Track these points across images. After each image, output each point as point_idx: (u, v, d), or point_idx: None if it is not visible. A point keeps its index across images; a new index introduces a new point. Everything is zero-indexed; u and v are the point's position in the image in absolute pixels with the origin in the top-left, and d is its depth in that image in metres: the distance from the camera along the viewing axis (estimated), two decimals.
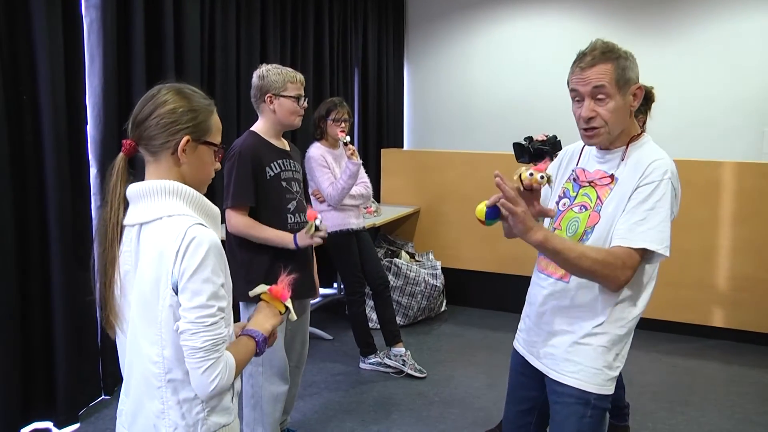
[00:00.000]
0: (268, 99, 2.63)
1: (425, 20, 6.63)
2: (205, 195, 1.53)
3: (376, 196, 5.33)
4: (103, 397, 3.42)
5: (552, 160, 2.69)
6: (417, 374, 3.91)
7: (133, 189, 1.45)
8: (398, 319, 4.54)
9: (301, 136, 4.70)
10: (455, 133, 6.59)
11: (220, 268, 1.41)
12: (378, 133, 6.21)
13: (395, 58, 6.50)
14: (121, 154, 1.47)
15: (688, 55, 5.66)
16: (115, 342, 1.55)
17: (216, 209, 1.54)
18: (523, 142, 2.71)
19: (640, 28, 5.75)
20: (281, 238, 2.60)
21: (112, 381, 3.42)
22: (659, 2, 5.66)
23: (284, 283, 1.62)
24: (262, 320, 1.58)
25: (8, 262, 2.81)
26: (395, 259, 4.93)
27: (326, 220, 3.89)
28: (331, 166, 3.84)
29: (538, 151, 2.69)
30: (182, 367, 1.42)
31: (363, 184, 4.08)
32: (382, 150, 5.72)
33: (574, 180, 1.91)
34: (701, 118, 5.67)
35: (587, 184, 1.86)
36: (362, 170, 4.16)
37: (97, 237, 1.47)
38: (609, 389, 1.81)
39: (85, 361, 3.26)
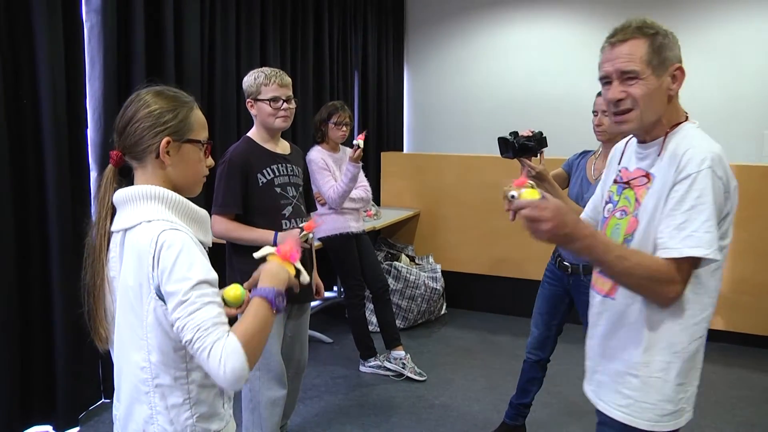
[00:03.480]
0: (249, 104, 2.66)
1: (425, 24, 6.64)
2: (200, 199, 1.53)
3: (376, 200, 5.34)
4: (103, 400, 3.42)
5: (537, 156, 2.58)
6: (417, 377, 3.91)
7: (119, 195, 1.44)
8: (398, 323, 4.54)
9: (302, 139, 4.70)
10: (455, 136, 6.60)
11: (198, 263, 1.36)
12: (378, 137, 6.22)
13: (395, 62, 6.51)
14: (110, 166, 1.47)
15: (688, 57, 5.58)
16: (109, 351, 1.54)
17: (204, 213, 1.52)
18: (508, 137, 2.61)
19: None
20: (262, 236, 2.57)
21: (112, 384, 3.39)
22: (659, 7, 5.67)
23: (292, 242, 1.50)
24: (275, 270, 1.46)
25: (8, 265, 2.81)
26: (395, 262, 4.93)
27: (326, 223, 3.91)
28: (331, 168, 3.84)
29: (522, 146, 2.59)
30: (169, 373, 1.41)
31: (363, 187, 4.09)
32: (382, 153, 5.73)
33: (616, 182, 1.72)
34: (700, 121, 5.63)
35: (627, 186, 1.66)
36: (362, 174, 4.17)
37: (86, 247, 1.47)
38: (667, 425, 1.59)
39: (85, 364, 3.26)
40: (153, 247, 1.34)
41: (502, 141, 2.63)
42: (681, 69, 1.57)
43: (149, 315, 1.38)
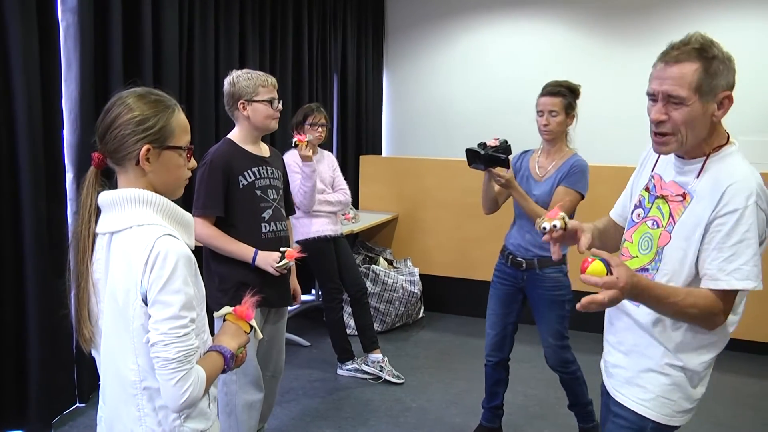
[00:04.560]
0: (241, 106, 2.61)
1: (404, 27, 6.67)
2: (179, 201, 1.53)
3: (355, 203, 5.34)
4: (77, 404, 3.38)
5: (507, 167, 2.73)
6: (394, 380, 3.92)
7: (105, 197, 1.44)
8: (376, 326, 4.55)
9: (280, 143, 4.69)
10: (434, 140, 6.62)
11: (191, 278, 1.40)
12: (357, 140, 6.22)
13: (374, 65, 6.52)
14: (92, 168, 1.47)
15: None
16: (91, 353, 1.54)
17: (189, 217, 1.53)
18: (477, 149, 2.73)
19: (616, 36, 5.83)
20: (242, 252, 2.58)
21: (88, 388, 3.38)
22: (636, 10, 5.75)
23: (248, 303, 1.63)
24: (228, 339, 1.56)
25: None
26: (373, 265, 4.94)
27: (302, 226, 3.91)
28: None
29: (492, 157, 2.73)
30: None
31: (341, 191, 4.10)
32: (361, 156, 5.74)
33: (647, 189, 1.74)
34: None
35: (660, 197, 1.68)
36: (341, 177, 4.18)
37: (71, 249, 1.47)
38: (678, 420, 1.68)
39: (60, 367, 3.21)
40: (147, 252, 1.35)
41: (470, 152, 2.73)
42: (729, 97, 1.55)
43: (135, 320, 1.39)
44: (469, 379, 4.00)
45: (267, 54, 4.78)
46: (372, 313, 4.42)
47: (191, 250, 1.49)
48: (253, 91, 2.60)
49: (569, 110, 2.92)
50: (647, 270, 1.67)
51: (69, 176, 3.23)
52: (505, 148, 2.75)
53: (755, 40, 5.45)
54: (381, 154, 6.76)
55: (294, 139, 3.39)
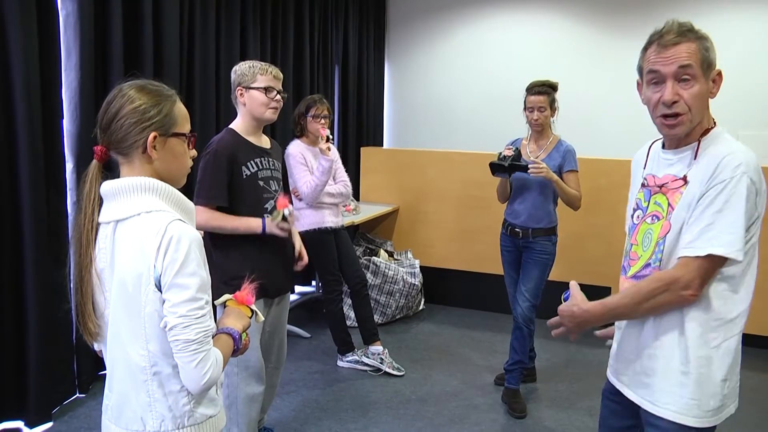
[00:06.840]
0: (239, 92, 2.61)
1: (406, 18, 6.64)
2: (181, 190, 1.53)
3: (356, 195, 5.33)
4: (77, 395, 3.37)
5: (526, 172, 3.24)
6: (394, 372, 3.92)
7: (108, 186, 1.45)
8: (376, 318, 4.55)
9: (280, 135, 4.68)
10: (435, 132, 6.61)
11: (203, 261, 1.43)
12: (358, 132, 6.21)
13: (376, 57, 6.50)
14: (94, 161, 1.47)
15: None
16: (94, 347, 1.54)
17: (191, 205, 1.55)
18: (501, 162, 3.28)
19: (616, 29, 5.81)
20: (248, 223, 2.57)
21: (87, 379, 3.38)
22: (639, 4, 5.72)
23: (248, 289, 1.66)
24: (233, 321, 1.59)
25: None
26: (374, 257, 4.93)
27: (304, 218, 3.89)
28: (309, 163, 3.83)
29: (514, 166, 3.27)
30: (168, 361, 1.43)
31: (342, 182, 4.08)
32: (362, 148, 5.72)
33: (644, 186, 1.74)
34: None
35: (657, 191, 1.67)
36: (342, 169, 4.16)
37: (72, 242, 1.47)
38: (711, 420, 1.60)
39: (60, 358, 3.21)
40: (159, 237, 1.37)
41: (494, 165, 3.32)
42: (720, 73, 1.61)
43: (148, 305, 1.40)
44: (469, 371, 4.00)
45: (268, 45, 4.76)
46: (372, 305, 4.42)
47: None
48: (251, 78, 2.58)
49: (552, 104, 3.45)
50: (650, 265, 1.64)
51: (69, 166, 3.22)
52: (519, 156, 3.32)
53: (756, 35, 5.42)
54: (382, 145, 6.74)
55: (324, 134, 3.66)
